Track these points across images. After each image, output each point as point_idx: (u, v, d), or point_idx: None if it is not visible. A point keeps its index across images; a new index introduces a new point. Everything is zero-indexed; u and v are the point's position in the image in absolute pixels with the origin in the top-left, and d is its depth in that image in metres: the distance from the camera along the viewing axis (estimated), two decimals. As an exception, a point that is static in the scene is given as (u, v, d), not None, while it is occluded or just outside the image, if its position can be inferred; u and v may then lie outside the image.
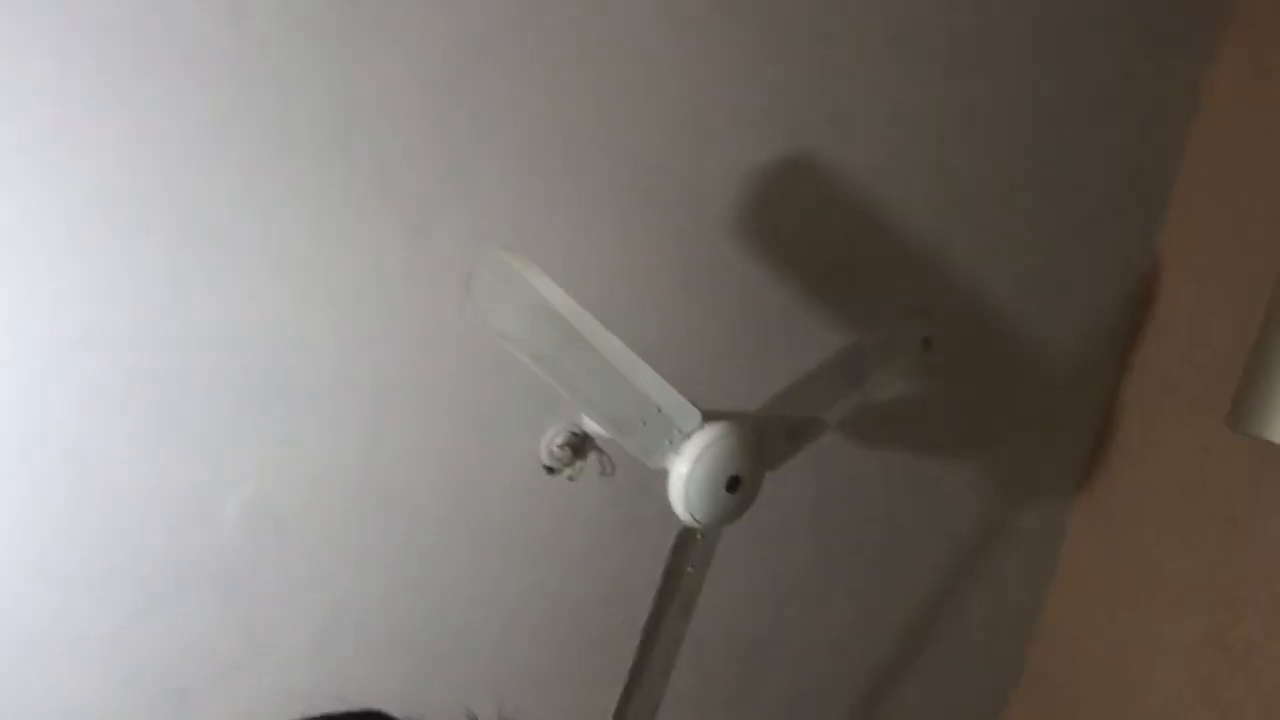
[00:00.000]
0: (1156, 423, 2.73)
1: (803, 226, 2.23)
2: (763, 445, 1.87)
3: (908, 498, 2.65)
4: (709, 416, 1.91)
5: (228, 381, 1.71)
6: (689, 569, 1.93)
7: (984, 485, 2.78)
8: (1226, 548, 2.47)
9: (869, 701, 2.82)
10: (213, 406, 1.72)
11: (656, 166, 1.99)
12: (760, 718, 2.62)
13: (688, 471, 1.78)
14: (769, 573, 2.47)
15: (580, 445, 2.02)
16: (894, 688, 2.86)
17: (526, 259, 1.63)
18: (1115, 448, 2.84)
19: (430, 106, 1.74)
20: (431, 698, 2.06)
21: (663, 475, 1.82)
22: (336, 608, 1.93)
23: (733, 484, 1.82)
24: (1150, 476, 2.70)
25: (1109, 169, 2.60)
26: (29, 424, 1.59)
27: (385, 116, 1.71)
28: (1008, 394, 2.71)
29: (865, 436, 2.53)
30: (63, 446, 1.62)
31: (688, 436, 1.79)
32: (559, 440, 2.01)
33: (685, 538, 1.89)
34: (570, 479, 2.04)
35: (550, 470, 2.02)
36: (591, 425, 1.99)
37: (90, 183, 1.53)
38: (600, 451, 2.05)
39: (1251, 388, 2.34)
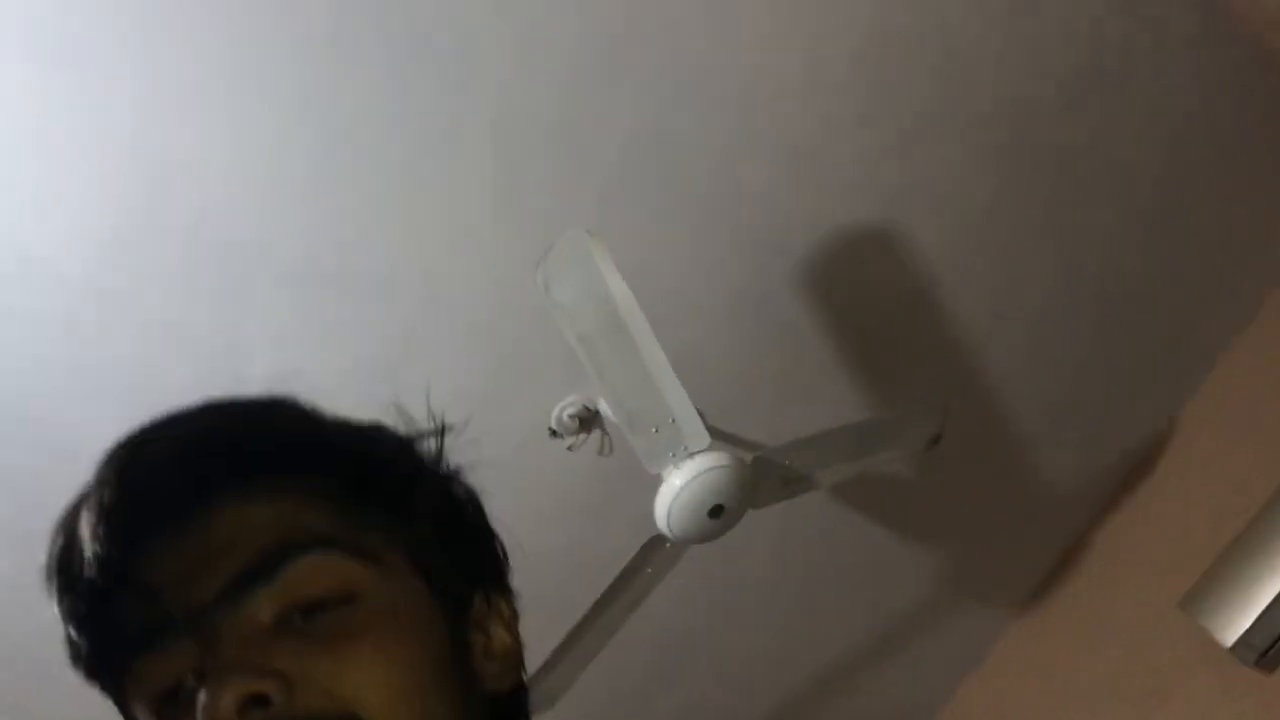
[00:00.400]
0: (1116, 574, 2.81)
1: (863, 290, 2.28)
2: (757, 486, 1.94)
3: (864, 560, 2.73)
4: (718, 438, 1.98)
5: (292, 259, 1.77)
6: (648, 570, 2.02)
7: (938, 572, 2.86)
8: (1143, 717, 2.55)
9: (760, 730, 2.93)
10: (272, 275, 1.78)
11: (747, 198, 2.04)
12: (658, 710, 2.72)
13: (680, 486, 1.85)
14: (715, 581, 2.54)
15: (589, 421, 2.09)
16: (787, 725, 2.96)
17: (605, 246, 1.69)
18: (1069, 583, 2.91)
19: (556, 87, 1.79)
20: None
21: (656, 480, 1.89)
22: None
23: (716, 511, 1.90)
24: (1092, 623, 2.78)
25: (1165, 325, 2.65)
26: (123, 235, 1.66)
27: (510, 84, 1.76)
28: (993, 496, 2.78)
29: (846, 491, 2.60)
30: (133, 264, 1.69)
31: (691, 455, 1.86)
32: (571, 410, 2.08)
33: (655, 543, 1.97)
34: (569, 448, 2.11)
35: (554, 434, 2.09)
36: (606, 409, 2.05)
37: (284, 105, 1.59)
38: (605, 433, 2.12)
39: (1215, 581, 2.42)
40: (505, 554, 0.69)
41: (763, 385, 2.30)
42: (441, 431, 0.67)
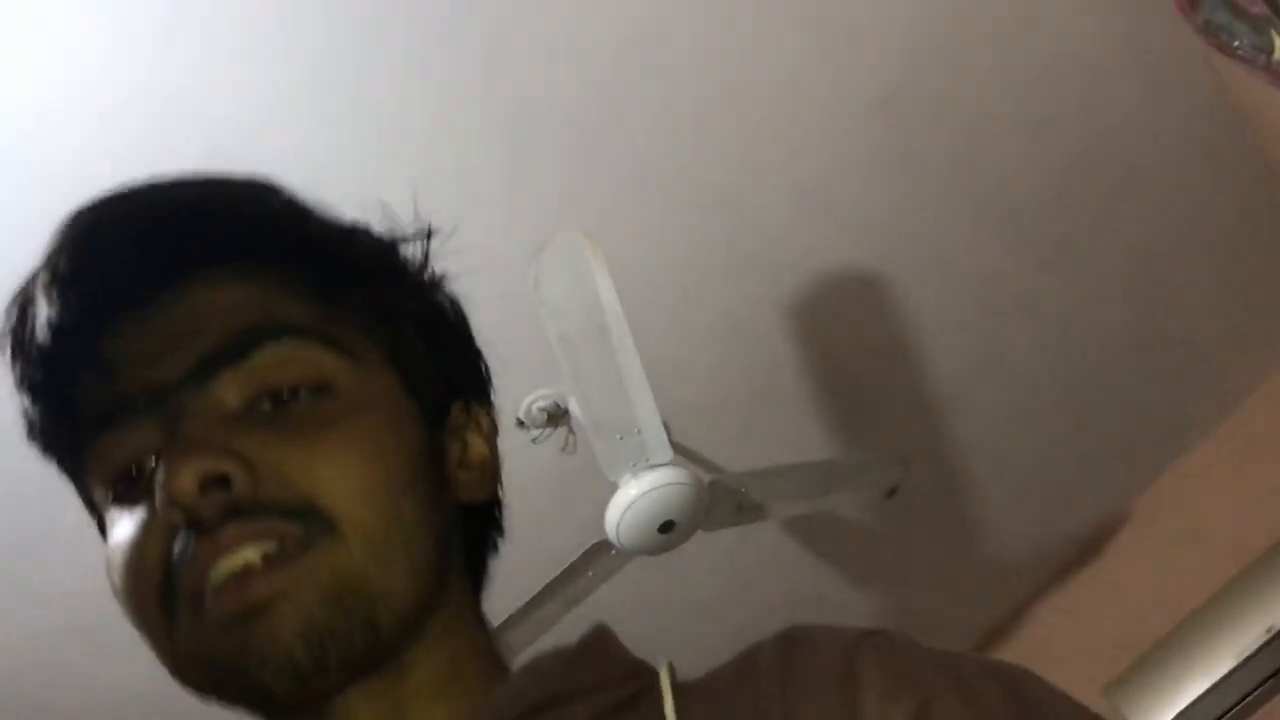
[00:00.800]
0: (1049, 650, 2.84)
1: (847, 333, 2.31)
2: (711, 508, 1.96)
3: (804, 595, 2.75)
4: (681, 454, 2.00)
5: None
6: (590, 574, 2.03)
7: (873, 621, 2.89)
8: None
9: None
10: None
11: (748, 226, 2.06)
12: None
13: (634, 497, 1.87)
14: (656, 592, 2.55)
15: (557, 417, 2.10)
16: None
17: (600, 251, 1.70)
18: (1000, 652, 2.95)
19: (576, 91, 1.81)
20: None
21: (611, 487, 1.91)
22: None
23: (666, 527, 1.91)
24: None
25: (1133, 417, 2.68)
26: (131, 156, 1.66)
27: (532, 82, 1.78)
28: (940, 554, 2.81)
29: (798, 525, 2.62)
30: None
31: (651, 468, 1.88)
32: (541, 404, 2.09)
33: (599, 548, 1.99)
34: (534, 440, 2.12)
35: (520, 424, 2.11)
36: (575, 409, 2.07)
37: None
38: (571, 432, 2.13)
39: (1141, 674, 2.45)
40: (488, 369, 0.67)
41: (734, 410, 2.32)
42: (428, 235, 0.64)
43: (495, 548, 0.66)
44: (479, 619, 0.62)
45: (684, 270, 2.09)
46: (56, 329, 0.55)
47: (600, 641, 0.60)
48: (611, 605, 2.39)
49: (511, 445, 2.14)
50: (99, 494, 0.56)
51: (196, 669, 0.52)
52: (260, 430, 0.53)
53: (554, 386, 2.09)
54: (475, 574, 0.64)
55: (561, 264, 1.68)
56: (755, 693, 0.52)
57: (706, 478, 1.98)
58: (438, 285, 0.65)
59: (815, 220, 2.11)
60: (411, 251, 0.64)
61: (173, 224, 0.56)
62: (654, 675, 0.57)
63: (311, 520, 0.51)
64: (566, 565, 2.02)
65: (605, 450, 1.85)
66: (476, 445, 0.63)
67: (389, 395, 0.58)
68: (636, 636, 2.18)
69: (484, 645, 0.61)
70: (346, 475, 0.53)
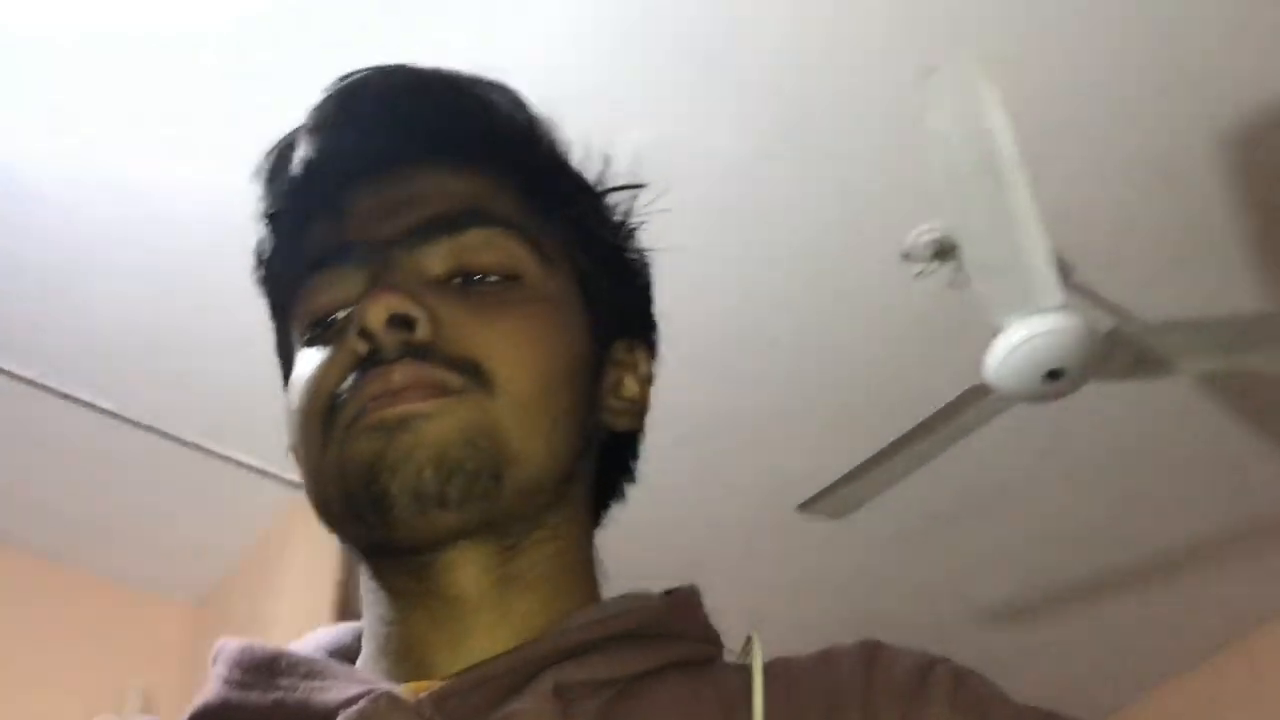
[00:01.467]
0: None
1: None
2: (1107, 358, 1.82)
3: (1216, 459, 2.52)
4: (1084, 296, 1.85)
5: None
6: (967, 414, 1.98)
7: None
8: None
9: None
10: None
11: (1188, 47, 1.82)
12: (954, 546, 2.71)
13: (1016, 343, 1.77)
14: (1039, 442, 2.43)
15: (945, 252, 2.01)
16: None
17: (992, 81, 1.58)
18: None
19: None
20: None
21: (996, 329, 1.82)
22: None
23: (1053, 375, 1.80)
24: None
25: None
26: None
27: None
28: None
29: (1219, 380, 2.38)
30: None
31: (1039, 312, 1.76)
32: (929, 237, 2.01)
33: (976, 392, 1.91)
34: (917, 275, 2.06)
35: (905, 258, 2.04)
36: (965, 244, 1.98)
37: None
38: (960, 269, 2.04)
39: None
40: (657, 326, 0.71)
41: (1149, 254, 2.11)
42: (637, 188, 0.69)
43: (621, 491, 0.69)
44: (589, 542, 0.65)
45: (1098, 99, 1.89)
46: (310, 165, 0.62)
47: (690, 599, 0.63)
48: (991, 446, 2.33)
49: (891, 281, 2.10)
50: (296, 333, 0.63)
51: (334, 481, 0.56)
52: (450, 296, 0.59)
53: (944, 219, 2.00)
54: (597, 504, 0.67)
55: (949, 93, 1.58)
56: (835, 683, 0.56)
57: (1104, 325, 1.84)
58: (633, 235, 0.69)
59: (1264, 39, 1.82)
60: (618, 200, 0.68)
61: (432, 113, 0.63)
62: (720, 646, 0.62)
63: (474, 375, 0.57)
64: (942, 405, 1.97)
65: (989, 288, 1.77)
66: (630, 384, 0.67)
67: (569, 301, 0.63)
68: (1013, 481, 2.13)
69: (586, 567, 0.64)
70: (514, 347, 0.58)
